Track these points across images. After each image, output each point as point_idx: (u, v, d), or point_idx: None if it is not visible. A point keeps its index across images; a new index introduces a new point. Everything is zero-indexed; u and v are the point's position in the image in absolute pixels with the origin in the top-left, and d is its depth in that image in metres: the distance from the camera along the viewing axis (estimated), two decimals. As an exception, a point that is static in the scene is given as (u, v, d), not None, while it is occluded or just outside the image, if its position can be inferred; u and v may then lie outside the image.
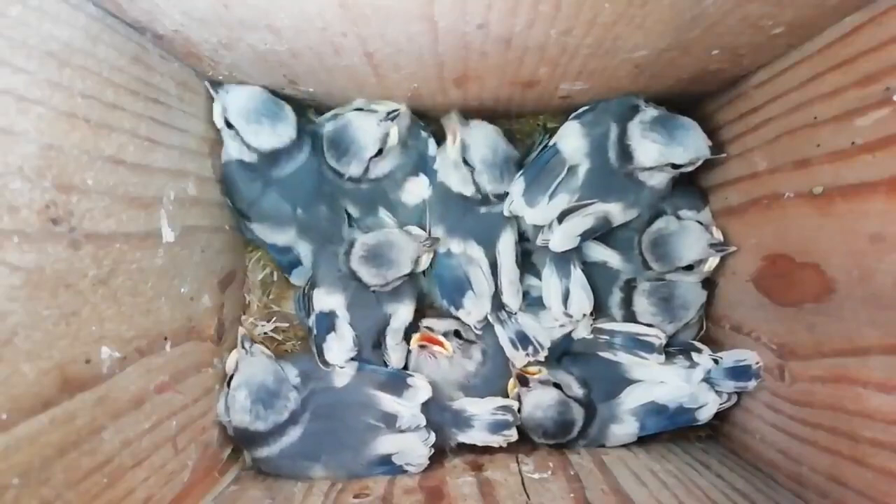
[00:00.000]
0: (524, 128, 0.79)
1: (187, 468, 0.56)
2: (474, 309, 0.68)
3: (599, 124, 0.66)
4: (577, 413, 0.66)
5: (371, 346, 0.68)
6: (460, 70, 0.58)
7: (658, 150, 0.61)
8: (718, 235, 0.67)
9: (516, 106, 0.72)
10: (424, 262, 0.68)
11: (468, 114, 0.72)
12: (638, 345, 0.67)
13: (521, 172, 0.69)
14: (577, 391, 0.67)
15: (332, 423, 0.62)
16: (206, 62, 0.58)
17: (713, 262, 0.67)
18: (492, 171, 0.67)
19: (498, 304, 0.69)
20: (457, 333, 0.68)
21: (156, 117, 0.53)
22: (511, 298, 0.68)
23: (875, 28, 0.46)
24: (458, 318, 0.70)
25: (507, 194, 0.69)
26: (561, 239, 0.65)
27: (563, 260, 0.67)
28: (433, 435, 0.63)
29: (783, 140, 0.57)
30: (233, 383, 0.61)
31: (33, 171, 0.39)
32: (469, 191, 0.68)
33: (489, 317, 0.69)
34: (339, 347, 0.64)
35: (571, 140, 0.66)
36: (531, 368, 0.68)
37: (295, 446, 0.61)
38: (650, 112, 0.64)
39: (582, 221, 0.65)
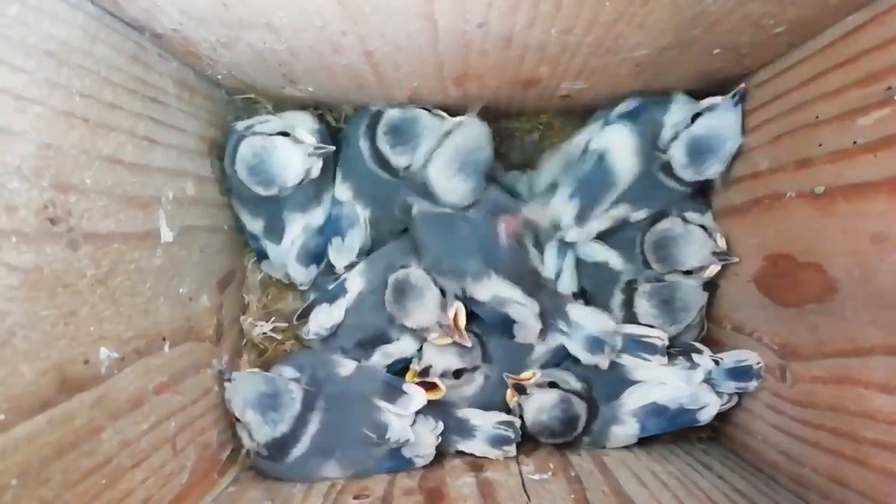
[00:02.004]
0: (524, 126, 0.78)
1: (186, 469, 0.56)
2: (527, 335, 0.67)
3: (646, 138, 0.66)
4: (580, 407, 0.65)
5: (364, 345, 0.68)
6: (460, 69, 0.58)
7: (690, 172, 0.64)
8: (722, 244, 0.67)
9: (517, 105, 0.72)
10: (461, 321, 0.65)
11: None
12: (640, 347, 0.66)
13: (572, 192, 0.68)
14: (576, 385, 0.66)
15: (343, 413, 0.62)
16: (204, 61, 0.58)
17: (714, 268, 0.67)
18: (449, 165, 0.64)
19: (552, 314, 0.67)
20: (456, 373, 0.66)
21: (154, 116, 0.53)
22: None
23: (877, 27, 0.46)
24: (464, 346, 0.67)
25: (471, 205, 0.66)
26: (577, 234, 0.69)
27: (565, 244, 0.71)
28: (440, 424, 0.62)
29: (785, 139, 0.57)
30: (236, 413, 0.61)
31: (31, 170, 0.39)
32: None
33: (552, 332, 0.68)
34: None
35: (625, 157, 0.66)
36: (524, 374, 0.67)
37: (317, 437, 0.60)
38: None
39: (600, 223, 0.68)
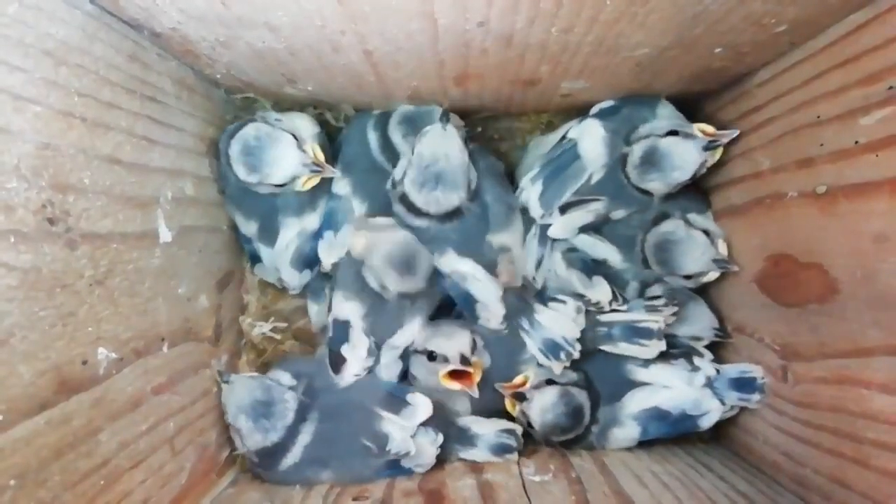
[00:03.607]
0: (524, 126, 0.78)
1: (185, 470, 0.55)
2: (490, 317, 0.65)
3: (619, 134, 0.66)
4: (581, 395, 0.65)
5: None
6: (460, 68, 0.57)
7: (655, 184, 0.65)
8: (723, 251, 0.66)
9: (517, 105, 0.72)
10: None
11: (468, 112, 0.71)
12: (636, 332, 0.65)
13: (538, 172, 0.68)
14: (572, 375, 0.66)
15: (340, 423, 0.61)
16: (203, 60, 0.58)
17: (713, 275, 0.67)
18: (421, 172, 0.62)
19: (517, 308, 0.66)
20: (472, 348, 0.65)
21: (153, 116, 0.53)
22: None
23: (878, 26, 0.46)
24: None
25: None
26: (560, 229, 0.68)
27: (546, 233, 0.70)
28: (441, 436, 0.62)
29: (786, 139, 0.57)
30: (229, 418, 0.60)
31: (29, 170, 0.38)
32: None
33: (516, 326, 0.66)
34: (355, 358, 0.63)
35: (593, 147, 0.66)
36: (517, 380, 0.65)
37: (310, 448, 0.60)
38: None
39: (583, 216, 0.68)
